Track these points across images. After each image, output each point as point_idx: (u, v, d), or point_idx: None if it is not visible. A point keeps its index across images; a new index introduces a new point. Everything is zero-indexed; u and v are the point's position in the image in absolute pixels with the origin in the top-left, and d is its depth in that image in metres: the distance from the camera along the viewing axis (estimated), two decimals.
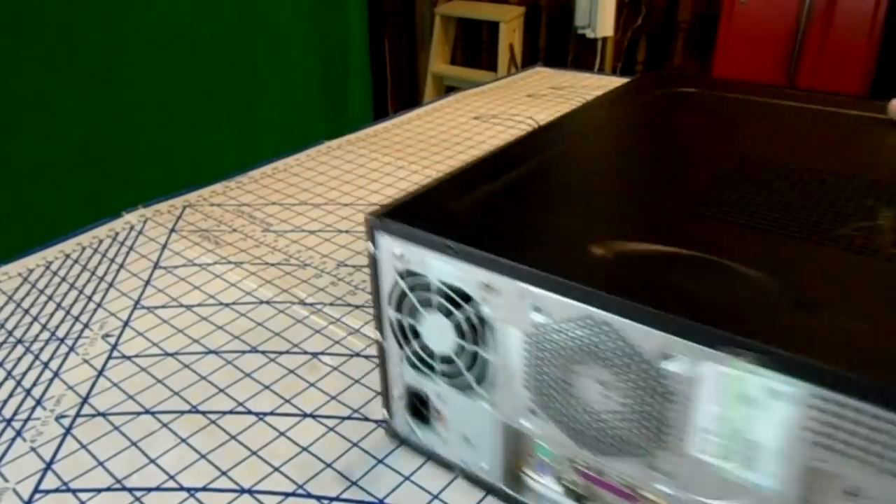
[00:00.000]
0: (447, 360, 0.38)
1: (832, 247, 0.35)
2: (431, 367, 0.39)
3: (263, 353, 0.54)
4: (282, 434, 0.46)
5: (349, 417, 0.47)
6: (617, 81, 1.14)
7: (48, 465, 0.44)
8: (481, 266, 0.34)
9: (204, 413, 0.48)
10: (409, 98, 2.82)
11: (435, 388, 0.40)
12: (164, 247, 0.70)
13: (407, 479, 0.42)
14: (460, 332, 0.36)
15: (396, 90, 2.75)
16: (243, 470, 0.44)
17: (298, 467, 0.44)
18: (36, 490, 0.43)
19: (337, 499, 0.42)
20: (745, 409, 0.28)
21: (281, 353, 0.54)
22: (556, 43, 2.61)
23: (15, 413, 0.49)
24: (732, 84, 0.62)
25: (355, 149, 0.92)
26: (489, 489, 0.41)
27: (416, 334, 0.39)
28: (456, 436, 0.41)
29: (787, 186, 0.42)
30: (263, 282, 0.63)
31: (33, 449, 0.46)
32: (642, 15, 2.38)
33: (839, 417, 0.26)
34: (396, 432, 0.44)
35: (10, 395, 0.50)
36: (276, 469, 0.44)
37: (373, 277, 0.40)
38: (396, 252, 0.37)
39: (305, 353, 0.54)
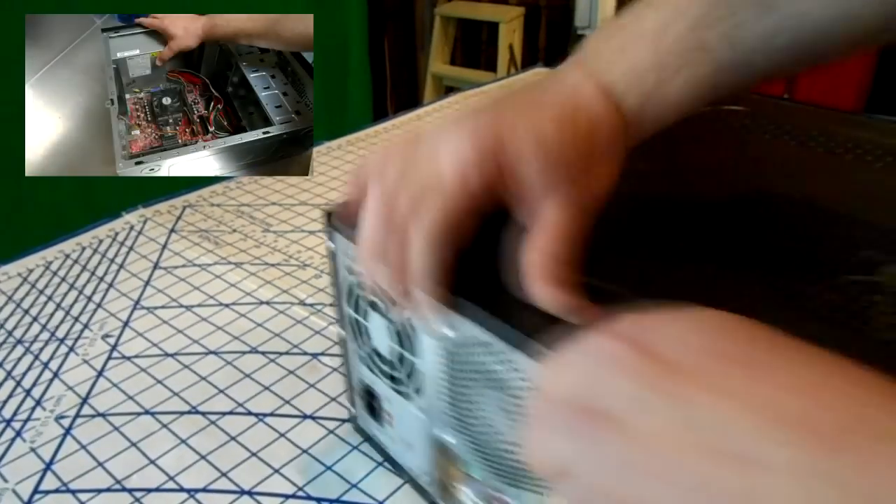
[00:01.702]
0: (389, 363, 0.38)
1: (799, 298, 0.31)
2: (380, 369, 0.39)
3: (263, 353, 0.54)
4: (282, 435, 0.46)
5: (350, 419, 0.47)
6: None
7: (48, 466, 0.44)
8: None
9: (204, 414, 0.48)
10: (409, 98, 2.82)
11: (384, 390, 0.40)
12: (164, 247, 0.70)
13: (407, 482, 0.42)
14: (398, 338, 0.36)
15: (396, 91, 2.75)
16: (243, 471, 0.44)
17: (299, 469, 0.44)
18: (35, 490, 0.43)
19: (337, 501, 0.42)
20: None
21: (281, 353, 0.54)
22: (556, 43, 2.61)
23: (15, 413, 0.49)
24: (794, 106, 0.53)
25: (355, 149, 0.92)
26: (430, 501, 0.40)
27: (368, 335, 0.39)
28: (401, 441, 0.41)
29: (791, 228, 0.37)
30: (263, 282, 0.63)
31: (33, 449, 0.46)
32: None
33: None
34: (361, 428, 0.45)
35: (10, 396, 0.50)
36: (277, 471, 0.44)
37: (332, 274, 0.40)
38: (349, 252, 0.37)
39: (305, 353, 0.54)
